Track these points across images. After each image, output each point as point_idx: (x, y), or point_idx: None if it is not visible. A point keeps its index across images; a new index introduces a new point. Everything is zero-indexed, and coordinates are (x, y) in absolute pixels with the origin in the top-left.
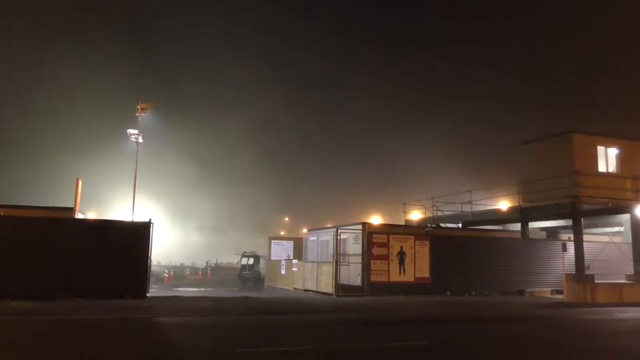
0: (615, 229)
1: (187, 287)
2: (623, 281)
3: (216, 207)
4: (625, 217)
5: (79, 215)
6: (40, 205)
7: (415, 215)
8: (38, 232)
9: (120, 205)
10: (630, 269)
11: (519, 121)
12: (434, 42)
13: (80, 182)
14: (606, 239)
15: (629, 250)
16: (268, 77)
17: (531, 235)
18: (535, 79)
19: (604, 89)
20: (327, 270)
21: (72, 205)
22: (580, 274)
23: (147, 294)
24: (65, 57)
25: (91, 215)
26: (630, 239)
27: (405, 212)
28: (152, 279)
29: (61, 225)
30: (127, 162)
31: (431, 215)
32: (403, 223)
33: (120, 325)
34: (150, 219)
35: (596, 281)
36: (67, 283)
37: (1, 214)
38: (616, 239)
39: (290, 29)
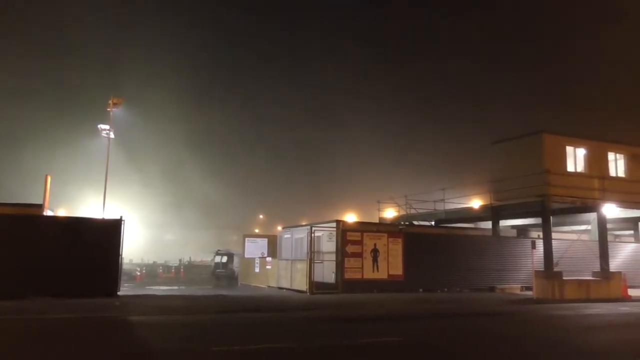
0: (583, 227)
1: (160, 285)
2: (590, 278)
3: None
4: (592, 216)
5: (48, 212)
6: (8, 202)
7: (389, 213)
8: (6, 230)
9: (90, 202)
10: (596, 266)
11: (491, 120)
12: (425, 42)
13: (49, 179)
14: (574, 236)
15: (595, 248)
16: (250, 75)
17: (502, 233)
18: (509, 78)
19: (581, 89)
20: (302, 267)
21: (41, 202)
22: (549, 270)
23: (119, 293)
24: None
25: (61, 212)
26: (596, 237)
27: (379, 210)
28: (123, 277)
29: (30, 222)
30: (97, 158)
31: (405, 213)
32: (377, 221)
33: (91, 324)
34: (121, 217)
35: (564, 278)
36: (37, 281)
37: None
38: (584, 236)
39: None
